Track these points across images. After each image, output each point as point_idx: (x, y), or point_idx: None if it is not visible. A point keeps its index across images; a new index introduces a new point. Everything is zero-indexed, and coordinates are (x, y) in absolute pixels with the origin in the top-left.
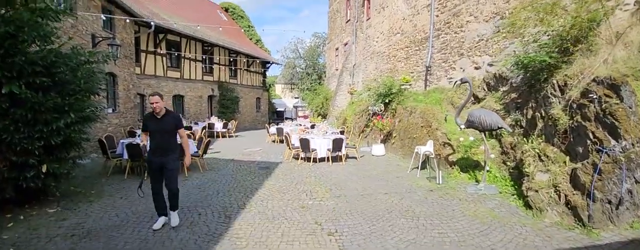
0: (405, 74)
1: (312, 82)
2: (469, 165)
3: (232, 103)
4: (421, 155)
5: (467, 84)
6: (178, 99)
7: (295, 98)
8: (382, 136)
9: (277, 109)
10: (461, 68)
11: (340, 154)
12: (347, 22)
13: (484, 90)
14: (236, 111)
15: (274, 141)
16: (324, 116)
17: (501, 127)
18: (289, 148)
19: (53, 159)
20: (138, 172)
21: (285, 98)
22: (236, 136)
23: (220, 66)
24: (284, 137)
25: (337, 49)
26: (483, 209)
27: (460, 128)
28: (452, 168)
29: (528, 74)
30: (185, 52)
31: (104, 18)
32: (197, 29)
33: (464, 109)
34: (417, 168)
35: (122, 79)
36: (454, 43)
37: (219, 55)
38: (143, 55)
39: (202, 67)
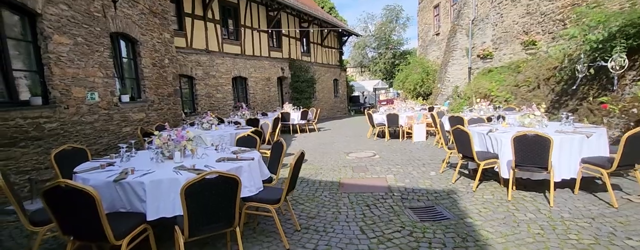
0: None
1: (386, 62)
2: None
3: (308, 86)
4: None
5: None
6: (240, 83)
7: (368, 80)
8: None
9: (353, 94)
10: None
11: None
12: None
13: None
14: (312, 97)
15: (380, 136)
16: (425, 97)
17: None
18: (459, 156)
19: None
20: None
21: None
22: (318, 129)
23: (290, 39)
24: (448, 133)
25: (436, 6)
26: None
27: None
28: None
29: None
30: (245, 18)
31: None
32: None
33: None
34: None
35: (148, 48)
36: None
37: (288, 24)
38: (188, 21)
39: (269, 40)
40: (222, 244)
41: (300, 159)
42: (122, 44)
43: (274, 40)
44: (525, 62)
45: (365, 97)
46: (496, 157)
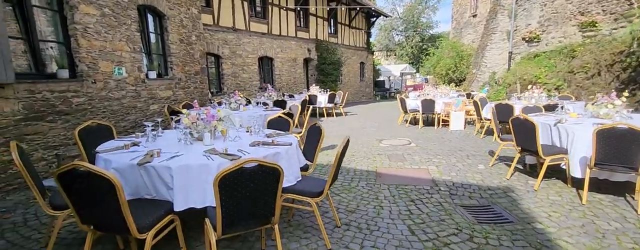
0: None
1: (413, 46)
2: None
3: (334, 69)
4: None
5: None
6: (266, 63)
7: (393, 64)
8: None
9: (378, 78)
10: None
11: None
12: None
13: None
14: (338, 80)
15: (413, 123)
16: (458, 83)
17: None
18: (517, 151)
19: None
20: None
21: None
22: (345, 114)
23: (317, 19)
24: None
25: None
26: None
27: None
28: None
29: None
30: None
31: None
32: None
33: None
34: None
35: (175, 23)
36: None
37: (316, 2)
38: None
39: (296, 20)
40: (255, 237)
41: (346, 146)
42: (150, 17)
43: (301, 19)
44: (582, 46)
45: (391, 82)
46: (565, 152)
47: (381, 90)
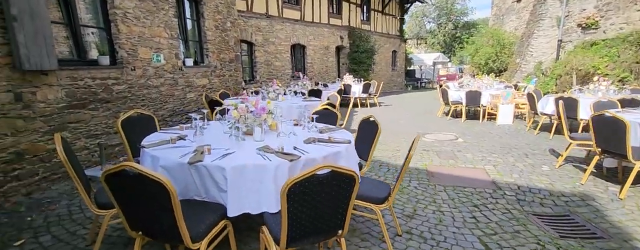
0: None
1: (446, 34)
2: None
3: (367, 57)
4: None
5: None
6: (298, 51)
7: (424, 53)
8: None
9: (409, 67)
10: None
11: None
12: None
13: None
14: (370, 69)
15: (455, 115)
16: (498, 73)
17: None
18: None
19: None
20: None
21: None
22: (379, 104)
23: (351, 5)
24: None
25: None
26: None
27: None
28: None
29: None
30: None
31: None
32: None
33: None
34: None
35: (211, 9)
36: None
37: None
38: None
39: (329, 6)
40: (310, 245)
41: (412, 147)
42: (186, 3)
43: (334, 5)
44: None
45: (422, 72)
46: None
47: (412, 80)
